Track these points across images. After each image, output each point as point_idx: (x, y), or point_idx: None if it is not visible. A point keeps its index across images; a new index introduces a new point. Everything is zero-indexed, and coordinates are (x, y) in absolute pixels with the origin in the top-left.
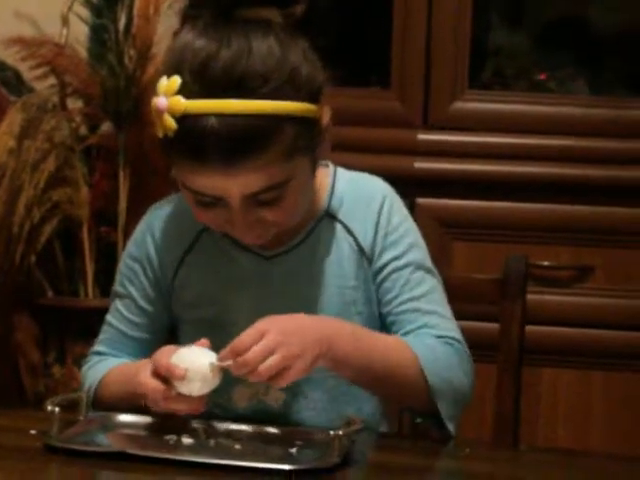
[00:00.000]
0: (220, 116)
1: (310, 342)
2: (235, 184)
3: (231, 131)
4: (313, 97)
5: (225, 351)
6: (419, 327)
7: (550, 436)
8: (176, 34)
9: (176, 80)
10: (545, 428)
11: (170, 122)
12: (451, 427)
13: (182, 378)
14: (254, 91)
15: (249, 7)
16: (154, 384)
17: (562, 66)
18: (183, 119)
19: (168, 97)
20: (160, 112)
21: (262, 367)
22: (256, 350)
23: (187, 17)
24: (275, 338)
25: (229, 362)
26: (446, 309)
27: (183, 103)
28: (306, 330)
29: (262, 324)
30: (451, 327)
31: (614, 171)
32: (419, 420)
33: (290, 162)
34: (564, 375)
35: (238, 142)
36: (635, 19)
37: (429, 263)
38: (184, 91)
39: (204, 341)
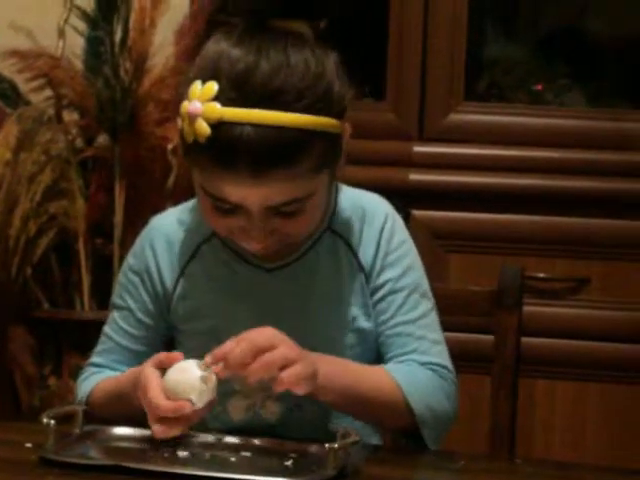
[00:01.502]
0: (255, 126)
1: (306, 354)
2: (260, 194)
3: (264, 141)
4: (341, 113)
5: (210, 355)
6: (407, 352)
7: (546, 448)
8: (198, 41)
9: (213, 86)
10: (541, 440)
11: (204, 127)
12: (433, 448)
13: (190, 407)
14: (290, 104)
15: (282, 19)
16: (166, 429)
17: (559, 77)
18: (217, 125)
19: (203, 102)
20: (193, 117)
21: (264, 358)
22: (244, 347)
23: (215, 22)
24: (277, 338)
25: (209, 360)
26: (437, 334)
27: (219, 110)
28: (303, 351)
29: (262, 329)
30: (439, 352)
31: (610, 183)
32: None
33: (317, 176)
34: (559, 387)
35: (270, 153)
36: (632, 30)
37: (425, 286)
38: (220, 98)
39: (177, 354)
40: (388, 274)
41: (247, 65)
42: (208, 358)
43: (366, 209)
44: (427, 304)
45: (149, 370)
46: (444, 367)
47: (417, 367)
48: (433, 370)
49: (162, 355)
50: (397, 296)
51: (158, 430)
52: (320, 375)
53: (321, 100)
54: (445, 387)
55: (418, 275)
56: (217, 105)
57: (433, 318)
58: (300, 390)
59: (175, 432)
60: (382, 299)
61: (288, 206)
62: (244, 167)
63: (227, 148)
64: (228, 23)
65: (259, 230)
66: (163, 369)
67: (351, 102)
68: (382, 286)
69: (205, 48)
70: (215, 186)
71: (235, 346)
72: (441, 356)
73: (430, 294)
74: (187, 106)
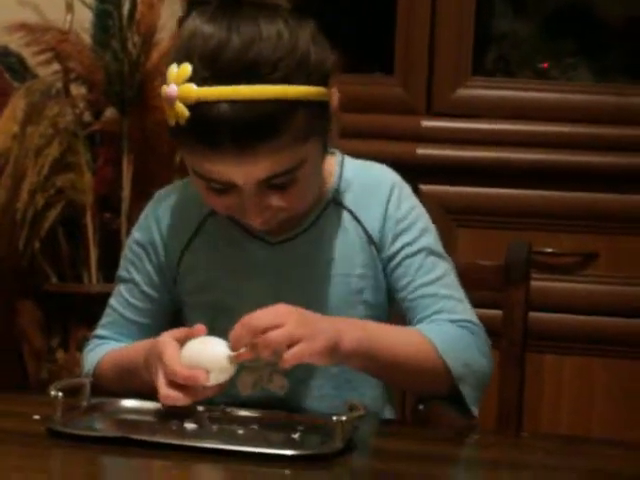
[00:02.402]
0: (232, 102)
1: (320, 329)
2: (248, 170)
3: (244, 117)
4: (323, 80)
5: (236, 329)
6: (435, 312)
7: (553, 422)
8: (181, 20)
9: (187, 68)
10: (548, 414)
11: (182, 110)
12: (474, 410)
13: (206, 380)
14: (265, 77)
15: None
16: (175, 395)
17: (565, 54)
18: (195, 107)
19: (179, 85)
20: (171, 100)
21: (270, 336)
22: (263, 321)
23: (193, 3)
24: (287, 316)
25: (243, 349)
26: (460, 292)
27: (195, 90)
28: (318, 319)
29: (273, 308)
30: (466, 309)
31: (617, 158)
32: (421, 407)
33: (303, 146)
34: (567, 361)
35: (251, 128)
36: (637, 8)
37: (440, 248)
38: (195, 79)
39: (200, 327)
40: (402, 241)
41: (219, 41)
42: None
43: (371, 180)
44: (445, 264)
45: (167, 338)
46: (474, 324)
47: (448, 325)
48: (464, 327)
49: (184, 329)
50: (414, 259)
51: (168, 395)
52: (345, 344)
53: (297, 69)
54: (478, 343)
55: (432, 237)
56: (193, 86)
57: (453, 277)
58: (320, 363)
59: (183, 401)
60: (399, 265)
61: (278, 178)
62: (227, 145)
63: (207, 128)
64: (206, 2)
65: (254, 206)
66: (181, 342)
67: (335, 69)
68: (397, 253)
69: (182, 28)
70: (203, 167)
71: (241, 328)
72: (468, 313)
73: (446, 255)
74: (165, 90)
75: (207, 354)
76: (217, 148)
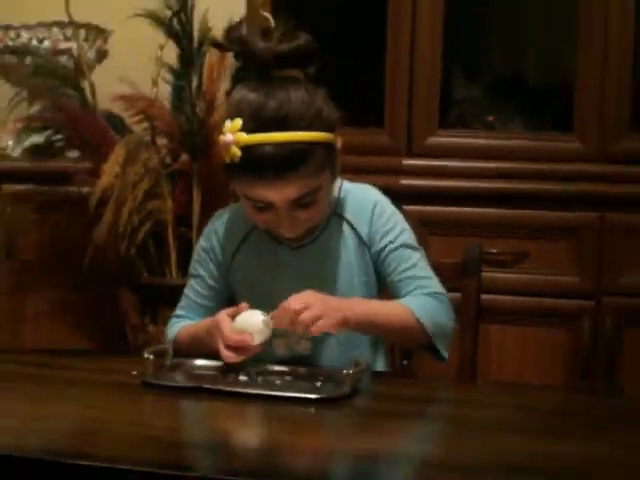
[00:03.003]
0: (272, 144)
1: (336, 307)
2: (283, 192)
3: (280, 155)
4: (331, 129)
5: (276, 311)
6: (414, 288)
7: (499, 374)
8: (228, 93)
9: (238, 122)
10: (495, 368)
11: (236, 151)
12: (445, 354)
13: (252, 341)
14: (294, 126)
15: (280, 69)
16: (231, 355)
17: (505, 111)
18: (245, 149)
19: (233, 134)
20: (228, 145)
21: (302, 316)
22: (297, 305)
23: (236, 79)
24: (312, 299)
25: (272, 313)
26: (429, 271)
27: (245, 137)
28: (332, 300)
29: (302, 294)
30: (436, 284)
31: (542, 185)
32: (405, 362)
33: (320, 175)
34: (508, 330)
35: (286, 162)
36: (560, 75)
37: (415, 242)
38: (245, 129)
39: (244, 304)
40: (387, 239)
41: (259, 104)
42: (273, 313)
43: (360, 196)
44: (418, 254)
45: (223, 315)
46: (441, 293)
47: (422, 296)
48: (433, 297)
49: (234, 307)
50: (396, 252)
51: (227, 355)
52: (351, 317)
53: (315, 121)
54: (444, 307)
55: (408, 235)
56: (243, 134)
57: (424, 262)
58: (332, 331)
59: (238, 359)
60: (387, 257)
61: (303, 199)
62: (268, 175)
63: (255, 163)
64: (244, 78)
65: (288, 219)
66: (233, 317)
67: (339, 122)
68: (384, 248)
69: (230, 98)
70: (250, 192)
71: (281, 313)
72: (436, 286)
73: (419, 247)
74: (223, 138)
75: (249, 322)
76: (261, 177)
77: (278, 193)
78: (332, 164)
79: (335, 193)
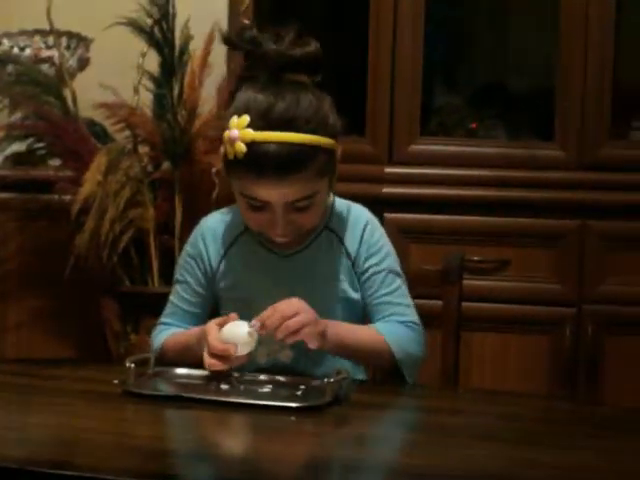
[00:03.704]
0: (277, 143)
1: (318, 321)
2: (282, 193)
3: (283, 154)
4: (335, 136)
5: (256, 319)
6: (390, 314)
7: (480, 381)
8: (233, 92)
9: (246, 118)
10: (476, 375)
11: (241, 147)
12: (410, 380)
13: (235, 351)
14: (300, 128)
15: (290, 72)
16: (216, 363)
17: (487, 118)
18: (251, 145)
19: (240, 129)
20: (233, 140)
21: (290, 322)
22: (288, 310)
23: (243, 78)
24: (301, 308)
25: (258, 324)
26: (408, 300)
27: (252, 133)
28: (316, 317)
29: (291, 300)
30: (411, 313)
31: (523, 193)
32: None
33: (320, 180)
34: (489, 338)
35: (289, 162)
36: (541, 83)
37: (398, 268)
38: (252, 126)
39: (233, 315)
40: (372, 260)
41: (268, 103)
42: (254, 322)
43: (353, 214)
44: (400, 280)
45: (211, 324)
46: (415, 323)
47: (396, 324)
48: (407, 326)
49: (224, 317)
50: (379, 276)
51: (210, 362)
52: (328, 334)
53: (321, 126)
54: (416, 337)
55: (392, 259)
56: (250, 131)
57: (405, 289)
58: (312, 345)
59: (222, 367)
60: (368, 279)
61: (300, 202)
62: (270, 174)
63: (258, 161)
64: (252, 77)
65: (281, 221)
66: (221, 326)
67: (341, 130)
68: (368, 269)
69: (237, 96)
70: (250, 189)
71: (271, 314)
72: (412, 315)
73: (401, 272)
74: (228, 133)
75: (235, 333)
76: (262, 175)
77: (277, 192)
78: (332, 172)
79: (327, 206)
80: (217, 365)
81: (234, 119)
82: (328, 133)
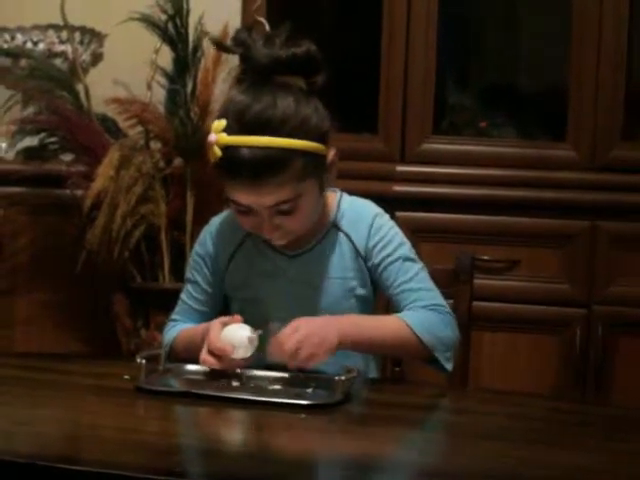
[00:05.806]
0: (250, 148)
1: (328, 337)
2: (259, 197)
3: (257, 158)
4: (320, 139)
5: (270, 346)
6: (412, 301)
7: (490, 380)
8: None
9: (222, 122)
10: (486, 375)
11: (217, 151)
12: (448, 366)
13: (231, 353)
14: (275, 132)
15: (278, 74)
16: (211, 360)
17: (497, 117)
18: (225, 149)
19: (217, 134)
20: (211, 144)
21: (297, 357)
22: (290, 343)
23: (237, 81)
24: (305, 333)
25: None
26: (430, 284)
27: (226, 138)
28: (323, 326)
29: (295, 323)
30: (435, 296)
31: (534, 193)
32: (397, 369)
33: (300, 183)
34: (499, 337)
35: (262, 166)
36: (553, 83)
37: (413, 254)
38: (228, 130)
39: (237, 316)
40: (383, 252)
41: (244, 105)
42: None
43: (359, 210)
44: (417, 265)
45: (216, 323)
46: (440, 305)
47: (420, 310)
48: (431, 309)
49: (229, 317)
50: (394, 266)
51: (205, 358)
52: (345, 340)
53: (298, 129)
54: (444, 318)
55: (406, 248)
56: (225, 135)
57: (424, 275)
58: (325, 358)
59: (215, 365)
60: (384, 270)
61: (283, 205)
62: (245, 178)
63: (233, 165)
64: (244, 80)
65: (267, 225)
66: (226, 326)
67: (331, 132)
68: (381, 262)
69: (225, 96)
70: (231, 193)
71: (277, 346)
72: (436, 298)
73: (417, 258)
74: (209, 137)
75: (234, 335)
76: (239, 179)
77: (254, 198)
78: (318, 175)
79: (334, 205)
80: (211, 363)
81: (215, 122)
82: (309, 136)
